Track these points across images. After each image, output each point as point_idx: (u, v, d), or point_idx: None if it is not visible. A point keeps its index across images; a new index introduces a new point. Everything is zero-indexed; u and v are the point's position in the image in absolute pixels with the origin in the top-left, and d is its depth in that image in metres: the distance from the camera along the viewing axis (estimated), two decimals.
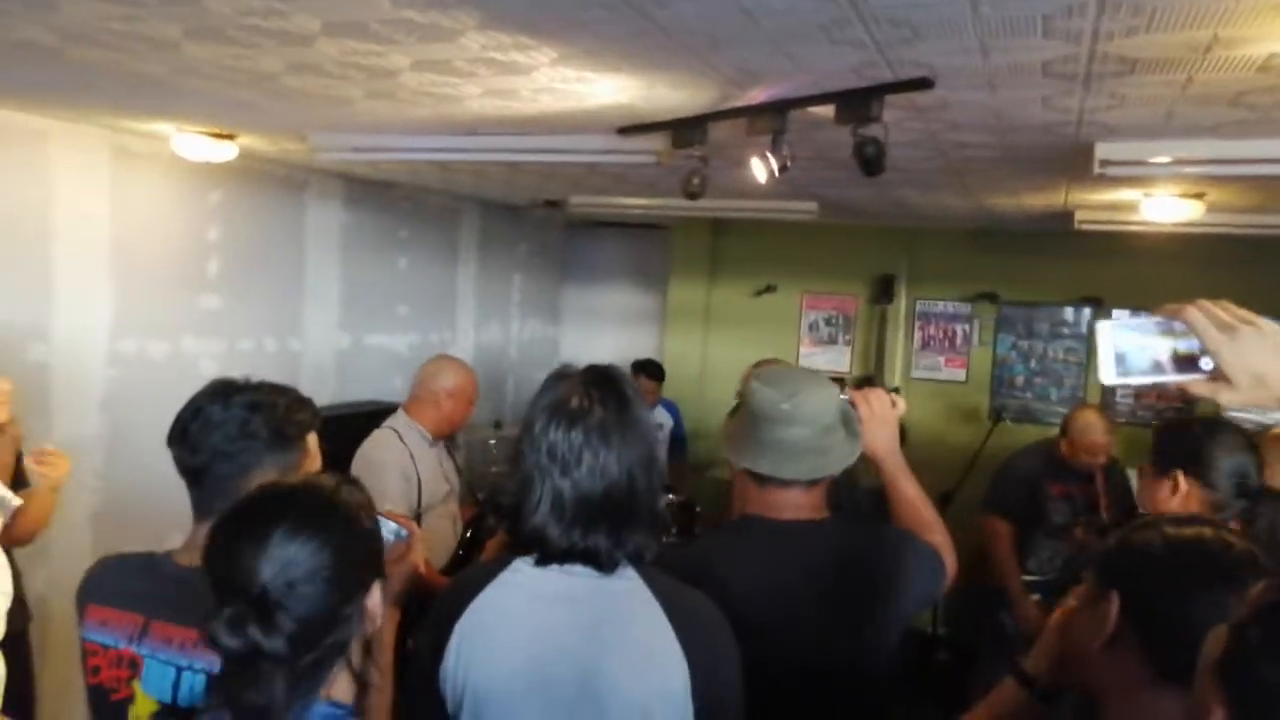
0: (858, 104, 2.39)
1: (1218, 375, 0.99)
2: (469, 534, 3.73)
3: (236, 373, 1.75)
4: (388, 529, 1.66)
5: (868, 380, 6.05)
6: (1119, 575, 1.18)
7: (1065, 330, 6.24)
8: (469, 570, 1.61)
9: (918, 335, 6.59)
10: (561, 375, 1.55)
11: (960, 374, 6.48)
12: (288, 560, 1.14)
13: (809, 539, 1.80)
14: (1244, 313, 1.00)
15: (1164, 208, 3.89)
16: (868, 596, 1.76)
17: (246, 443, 1.60)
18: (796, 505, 1.81)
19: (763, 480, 1.80)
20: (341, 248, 5.19)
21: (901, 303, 6.49)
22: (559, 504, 1.45)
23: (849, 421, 1.88)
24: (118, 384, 3.90)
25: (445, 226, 6.08)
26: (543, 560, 1.48)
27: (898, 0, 1.73)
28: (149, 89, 2.87)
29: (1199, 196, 3.81)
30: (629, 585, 1.47)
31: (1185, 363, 1.03)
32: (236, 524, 1.19)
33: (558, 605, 1.45)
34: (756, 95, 2.53)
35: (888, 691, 1.82)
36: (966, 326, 6.49)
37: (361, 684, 1.22)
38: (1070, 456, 4.00)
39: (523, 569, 1.49)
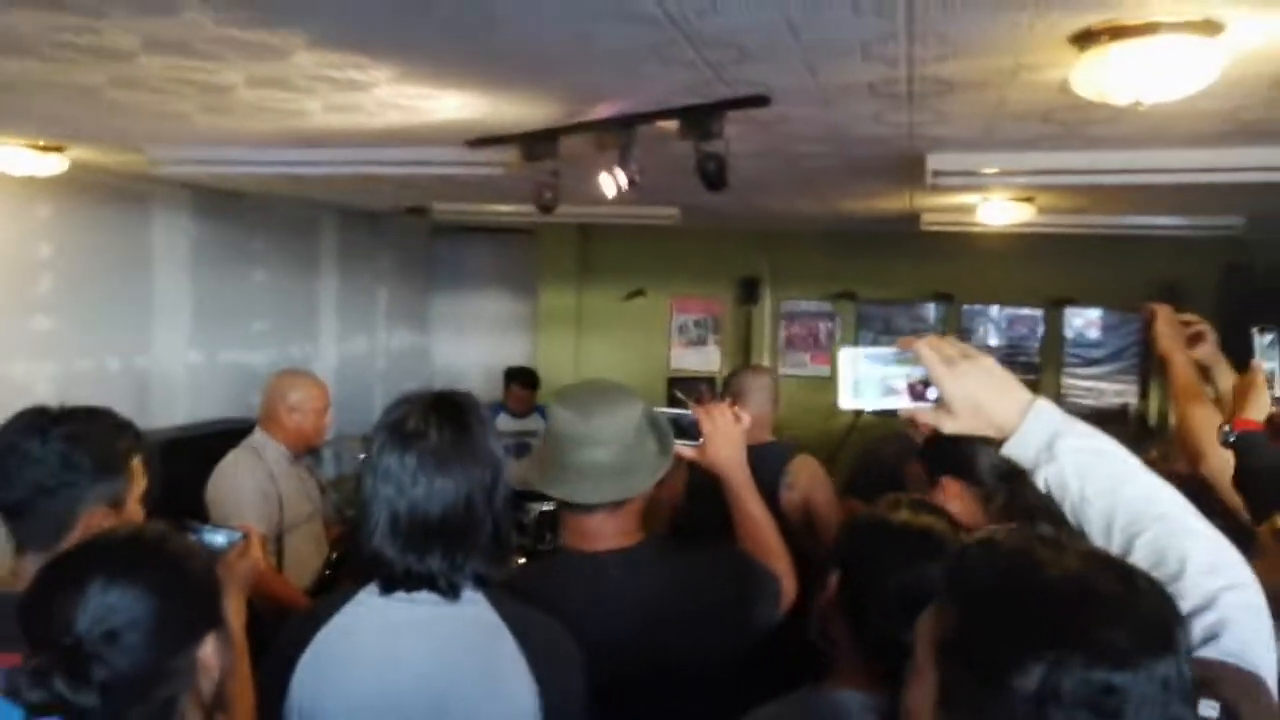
0: (698, 120, 2.45)
1: (942, 404, 1.08)
2: (334, 556, 3.64)
3: (76, 395, 1.68)
4: (221, 535, 1.64)
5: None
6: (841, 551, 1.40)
7: (922, 326, 6.51)
8: (313, 604, 1.57)
9: (783, 334, 6.78)
10: (405, 399, 1.53)
11: (825, 370, 6.69)
12: (106, 609, 1.08)
13: (621, 569, 1.70)
14: (966, 348, 1.10)
15: (999, 210, 4.14)
16: (699, 622, 1.68)
17: (71, 475, 1.55)
18: (603, 532, 1.71)
19: (568, 506, 1.71)
20: (192, 261, 4.97)
21: (766, 303, 6.66)
22: (395, 526, 1.42)
23: (661, 432, 1.78)
24: None
25: (303, 236, 5.89)
26: (386, 588, 1.46)
27: (720, 25, 1.79)
28: None
29: (1029, 200, 4.06)
30: (476, 611, 1.45)
31: (917, 391, 1.12)
32: (54, 573, 1.13)
33: (405, 634, 1.43)
34: (602, 111, 2.56)
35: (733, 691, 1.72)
36: (829, 324, 6.72)
37: None
38: None
39: (367, 600, 1.47)
